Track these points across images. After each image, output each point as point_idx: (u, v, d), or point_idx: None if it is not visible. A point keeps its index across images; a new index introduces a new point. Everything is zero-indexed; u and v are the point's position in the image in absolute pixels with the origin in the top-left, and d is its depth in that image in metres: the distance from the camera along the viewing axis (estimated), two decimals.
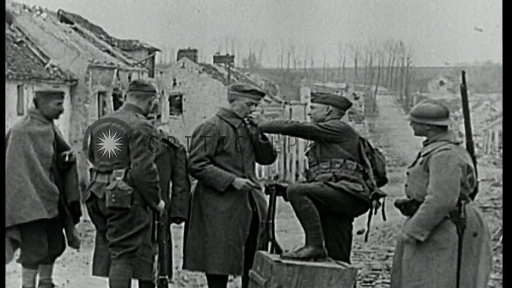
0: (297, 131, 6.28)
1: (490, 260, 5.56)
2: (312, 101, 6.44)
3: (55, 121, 6.92)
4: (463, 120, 5.83)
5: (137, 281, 6.50)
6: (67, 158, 6.72)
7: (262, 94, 6.67)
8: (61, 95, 6.83)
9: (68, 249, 7.00)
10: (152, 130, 6.11)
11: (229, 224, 6.41)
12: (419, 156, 5.64)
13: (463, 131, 5.85)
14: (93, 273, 6.60)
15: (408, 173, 5.65)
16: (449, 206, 5.43)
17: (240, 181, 6.41)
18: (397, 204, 5.67)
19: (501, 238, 10.79)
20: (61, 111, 6.81)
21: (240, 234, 6.43)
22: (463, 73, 5.75)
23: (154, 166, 6.07)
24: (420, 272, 5.51)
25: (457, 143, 5.59)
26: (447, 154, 5.49)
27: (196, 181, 6.61)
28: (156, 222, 6.26)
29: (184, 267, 6.61)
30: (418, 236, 5.47)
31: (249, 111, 6.55)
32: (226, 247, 6.39)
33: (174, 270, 6.81)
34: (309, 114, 6.50)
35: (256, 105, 6.59)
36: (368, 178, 6.21)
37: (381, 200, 6.14)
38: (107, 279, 6.26)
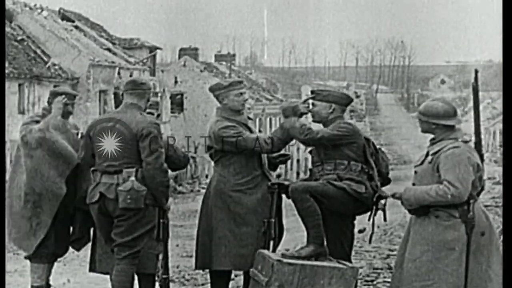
0: (311, 143, 6.23)
1: (501, 258, 5.52)
2: (313, 98, 6.37)
3: None
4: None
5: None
6: (79, 136, 6.69)
7: (241, 82, 6.60)
8: (70, 96, 6.85)
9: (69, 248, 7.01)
10: (159, 128, 6.10)
11: (259, 218, 6.32)
12: (427, 154, 5.61)
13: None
14: (91, 270, 6.59)
15: (415, 172, 5.63)
16: (460, 201, 5.43)
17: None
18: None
19: (501, 237, 10.76)
20: (69, 112, 6.83)
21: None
22: (476, 71, 5.66)
23: (166, 164, 6.06)
24: (428, 272, 5.49)
25: (466, 142, 5.57)
26: (458, 152, 5.47)
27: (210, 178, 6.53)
28: (161, 220, 6.24)
29: (205, 267, 6.50)
30: (406, 205, 5.55)
31: (243, 100, 6.50)
32: (258, 241, 6.29)
33: (175, 269, 6.81)
34: (309, 111, 6.34)
35: (244, 93, 6.52)
36: (373, 179, 6.16)
37: (382, 201, 6.09)
38: (107, 278, 6.25)
